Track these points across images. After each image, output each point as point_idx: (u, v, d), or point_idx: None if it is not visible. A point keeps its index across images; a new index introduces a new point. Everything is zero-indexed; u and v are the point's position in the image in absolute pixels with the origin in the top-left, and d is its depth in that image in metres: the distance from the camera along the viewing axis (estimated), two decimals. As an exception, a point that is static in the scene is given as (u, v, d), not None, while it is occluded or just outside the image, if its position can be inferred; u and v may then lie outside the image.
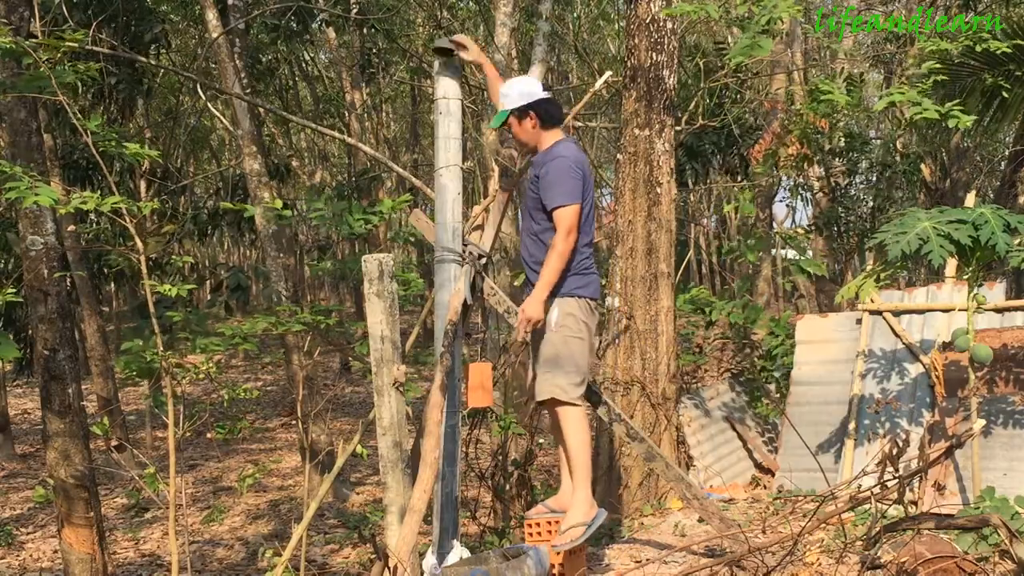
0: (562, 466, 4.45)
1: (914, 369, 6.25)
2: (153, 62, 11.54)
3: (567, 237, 4.09)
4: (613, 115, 14.62)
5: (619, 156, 6.68)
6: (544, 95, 4.30)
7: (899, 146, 12.66)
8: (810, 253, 11.95)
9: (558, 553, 4.28)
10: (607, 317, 6.55)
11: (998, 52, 6.83)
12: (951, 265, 6.27)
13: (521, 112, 4.26)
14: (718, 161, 14.39)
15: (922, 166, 12.29)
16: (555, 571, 4.28)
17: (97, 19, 10.75)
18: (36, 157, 6.07)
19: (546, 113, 4.27)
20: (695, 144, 12.63)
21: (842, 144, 12.17)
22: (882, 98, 6.11)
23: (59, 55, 5.02)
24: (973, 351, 5.13)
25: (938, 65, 6.78)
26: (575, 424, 4.18)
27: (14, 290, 4.48)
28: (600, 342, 6.47)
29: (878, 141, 12.39)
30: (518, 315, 4.15)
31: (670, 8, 6.17)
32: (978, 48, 6.90)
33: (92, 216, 12.04)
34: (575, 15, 15.99)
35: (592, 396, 4.66)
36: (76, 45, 5.02)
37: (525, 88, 4.29)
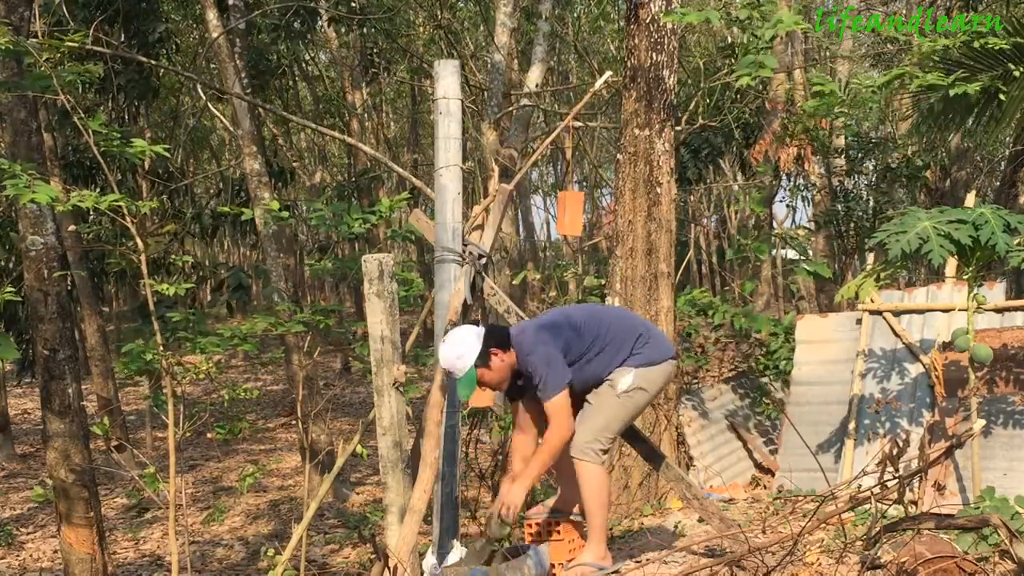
0: (559, 470, 4.45)
1: (914, 369, 6.25)
2: (156, 62, 11.53)
3: (560, 429, 4.00)
4: (613, 115, 14.62)
5: (619, 156, 6.68)
6: (481, 329, 4.06)
7: (908, 151, 12.67)
8: (810, 253, 11.94)
9: (552, 545, 4.29)
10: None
11: (997, 49, 6.81)
12: (951, 265, 6.27)
13: (484, 360, 4.02)
14: (726, 160, 14.40)
15: (926, 173, 12.30)
16: (555, 571, 4.28)
17: (100, 19, 10.77)
18: (36, 157, 6.07)
19: (500, 339, 4.06)
20: (698, 142, 12.63)
21: (843, 143, 12.18)
22: (887, 76, 6.09)
23: (59, 55, 5.02)
24: (973, 351, 5.13)
25: (935, 82, 6.75)
26: (600, 484, 4.12)
27: (13, 289, 4.48)
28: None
29: (876, 141, 12.38)
30: (499, 503, 4.05)
31: (671, 15, 6.17)
32: (976, 44, 6.88)
33: (92, 215, 12.05)
34: (575, 15, 15.99)
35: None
36: (76, 45, 5.02)
37: (465, 341, 4.01)
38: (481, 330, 4.07)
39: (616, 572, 4.23)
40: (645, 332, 4.21)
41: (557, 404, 4.00)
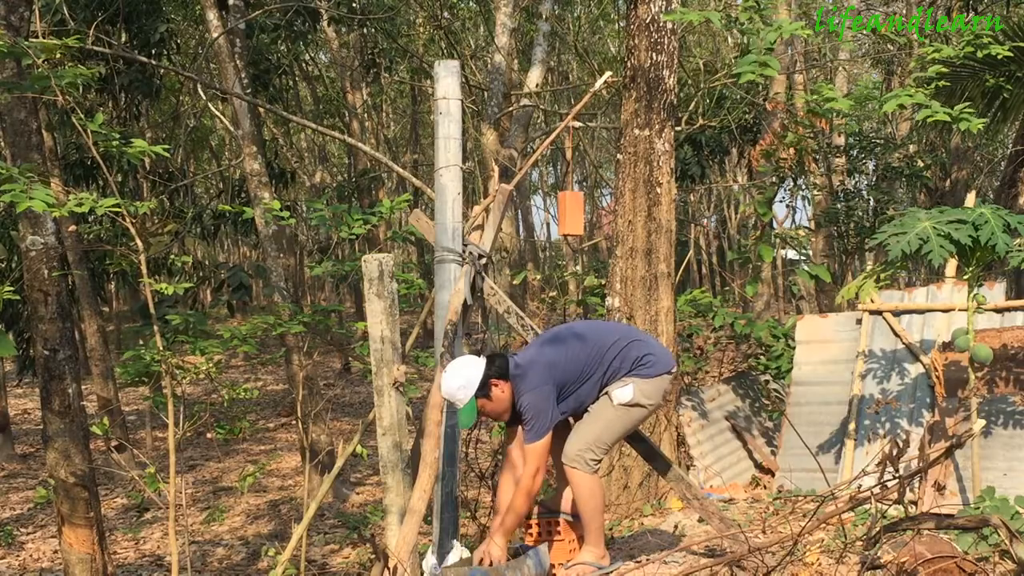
0: (556, 470, 4.45)
1: (914, 369, 6.25)
2: (156, 63, 11.53)
3: (534, 476, 4.02)
4: (613, 115, 14.62)
5: (619, 156, 6.68)
6: (482, 360, 4.07)
7: (910, 150, 12.67)
8: (810, 253, 11.93)
9: (552, 545, 4.29)
10: (607, 317, 6.55)
11: (1000, 56, 6.82)
12: (951, 265, 6.27)
13: (484, 391, 4.03)
14: (728, 158, 14.37)
15: (927, 173, 12.29)
16: (555, 571, 4.28)
17: (101, 19, 10.76)
18: (36, 157, 6.06)
19: (500, 371, 4.06)
20: (702, 138, 12.62)
21: (842, 143, 12.17)
22: (889, 99, 6.12)
23: (59, 55, 5.02)
24: (973, 351, 5.13)
25: (944, 69, 6.77)
26: (591, 491, 4.13)
27: (12, 288, 4.47)
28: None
29: (880, 142, 12.37)
30: (487, 551, 4.04)
31: (672, 14, 6.17)
32: (979, 54, 6.90)
33: (93, 216, 12.05)
34: (575, 15, 15.99)
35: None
36: (76, 45, 5.02)
37: (466, 372, 4.02)
38: (482, 361, 4.06)
39: (615, 572, 4.23)
40: (646, 349, 4.20)
41: (536, 449, 4.01)
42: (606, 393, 4.14)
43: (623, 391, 4.10)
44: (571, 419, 4.31)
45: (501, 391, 4.07)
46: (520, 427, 4.19)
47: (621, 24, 15.54)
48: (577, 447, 4.10)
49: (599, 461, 4.13)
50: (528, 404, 4.03)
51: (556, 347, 4.18)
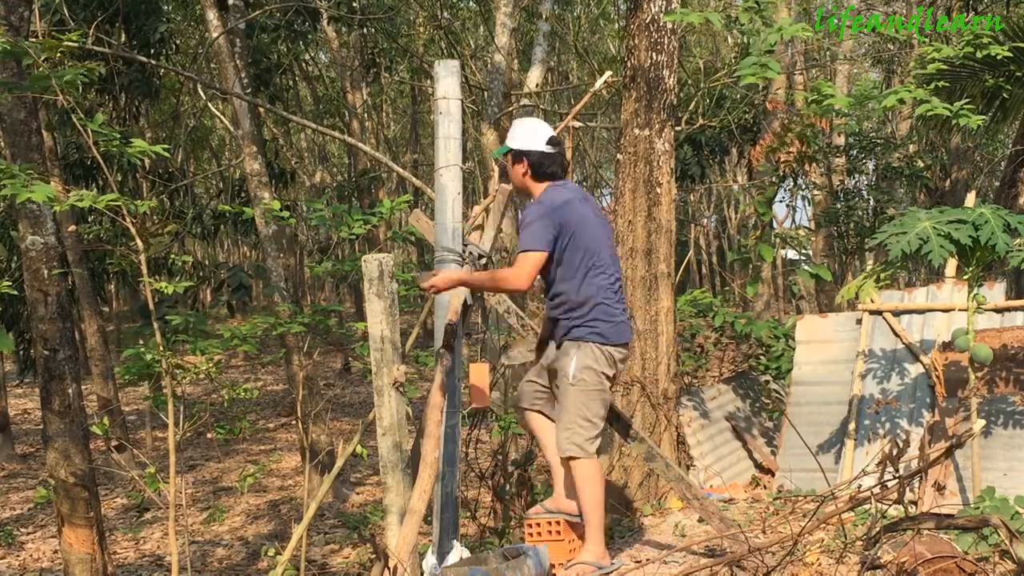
0: (554, 470, 4.45)
1: (914, 369, 6.25)
2: (156, 62, 11.54)
3: (518, 277, 4.05)
4: (613, 115, 14.62)
5: (619, 156, 6.68)
6: (546, 149, 4.21)
7: (910, 150, 12.67)
8: (810, 252, 11.94)
9: (552, 544, 4.29)
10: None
11: (999, 57, 6.82)
12: (951, 265, 6.27)
13: (517, 156, 4.23)
14: (729, 158, 14.35)
15: (927, 173, 12.29)
16: (555, 571, 4.28)
17: (100, 18, 10.76)
18: (36, 157, 6.06)
19: (539, 166, 4.20)
20: (702, 138, 12.62)
21: (842, 142, 12.17)
22: (889, 95, 6.11)
23: (59, 55, 5.02)
24: (973, 351, 5.13)
25: (944, 67, 6.77)
26: (591, 479, 4.14)
27: (10, 283, 4.47)
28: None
29: (880, 142, 12.37)
30: (430, 275, 4.14)
31: (672, 14, 6.17)
32: (979, 55, 6.90)
33: (93, 216, 12.06)
34: (575, 15, 15.99)
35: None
36: (75, 45, 5.02)
37: (532, 135, 4.23)
38: (546, 149, 4.19)
39: (615, 571, 4.23)
40: (608, 310, 4.16)
41: (529, 257, 4.05)
42: (560, 371, 4.15)
43: (568, 364, 4.12)
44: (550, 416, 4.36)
45: (521, 172, 4.23)
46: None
47: (621, 24, 15.53)
48: (562, 435, 4.14)
49: (590, 441, 4.12)
50: (530, 214, 4.15)
51: (584, 217, 4.16)
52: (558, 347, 4.22)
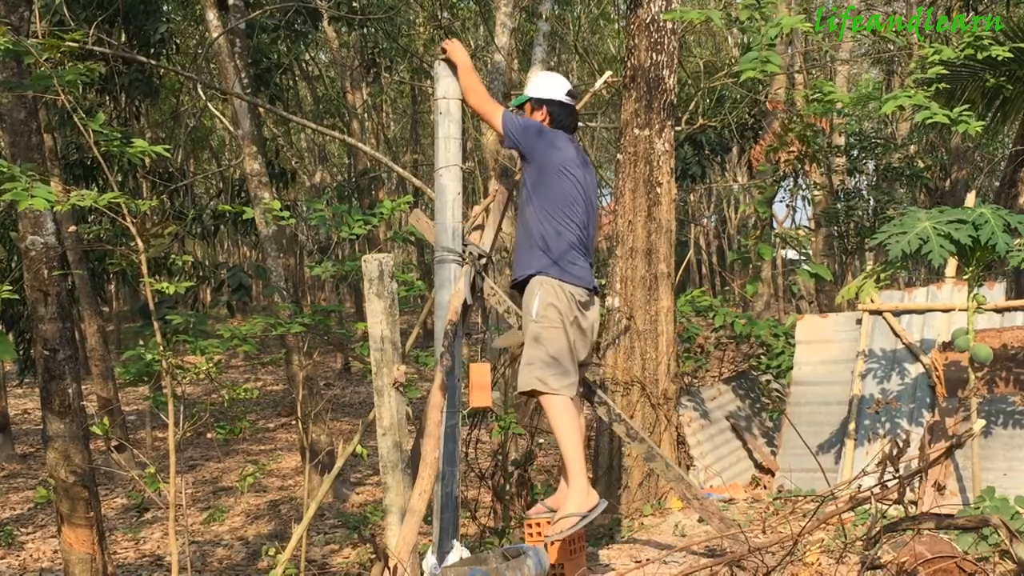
0: (565, 463, 4.45)
1: (914, 369, 6.26)
2: (156, 62, 11.54)
3: (489, 114, 4.37)
4: (613, 115, 14.63)
5: (619, 156, 6.68)
6: (565, 99, 4.46)
7: (910, 150, 12.68)
8: (810, 252, 11.94)
9: (552, 544, 4.27)
10: (607, 318, 6.55)
11: (1000, 58, 6.82)
12: (951, 265, 6.27)
13: (537, 104, 4.46)
14: (729, 157, 14.35)
15: (927, 173, 12.31)
16: (555, 571, 4.28)
17: (100, 18, 10.76)
18: (36, 157, 6.06)
19: (557, 116, 4.44)
20: (702, 138, 12.63)
21: (843, 143, 12.18)
22: (888, 100, 6.12)
23: (60, 55, 5.02)
24: (973, 351, 5.13)
25: (943, 71, 6.77)
26: (559, 413, 4.15)
27: (10, 287, 4.47)
28: (601, 343, 6.47)
29: (881, 142, 12.37)
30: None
31: (672, 13, 6.17)
32: (980, 56, 6.90)
33: (93, 216, 12.06)
34: (575, 15, 15.99)
35: (593, 396, 4.66)
36: (76, 45, 5.02)
37: (553, 85, 4.48)
38: (566, 99, 4.46)
39: (601, 509, 4.19)
40: (572, 258, 4.26)
41: (506, 118, 4.34)
42: (526, 311, 4.24)
43: (532, 302, 4.20)
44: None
45: (539, 117, 4.44)
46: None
47: (621, 24, 15.54)
48: (523, 371, 4.18)
49: (556, 377, 4.14)
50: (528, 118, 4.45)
51: (573, 160, 4.35)
52: (522, 291, 4.33)
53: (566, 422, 4.15)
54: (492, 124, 4.42)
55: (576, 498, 4.16)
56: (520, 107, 4.54)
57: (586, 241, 4.35)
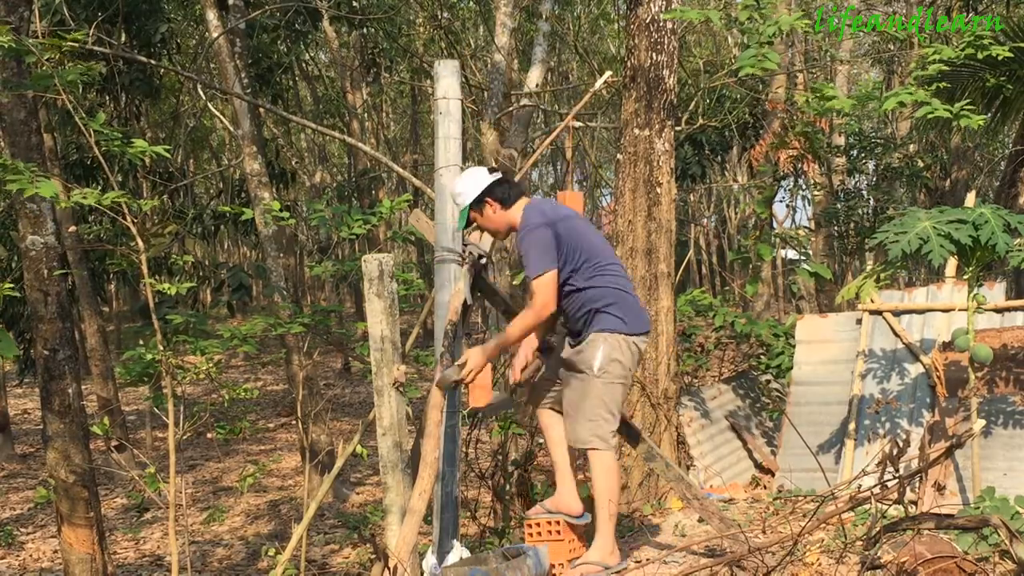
0: (556, 468, 4.45)
1: (914, 369, 6.25)
2: (156, 62, 11.54)
3: (544, 306, 4.03)
4: (613, 115, 14.62)
5: (619, 156, 6.68)
6: (493, 178, 4.20)
7: (910, 150, 12.68)
8: (810, 252, 11.95)
9: (552, 544, 4.28)
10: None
11: (1000, 58, 6.82)
12: (951, 265, 6.27)
13: (479, 203, 4.18)
14: (730, 157, 14.34)
15: (927, 173, 12.31)
16: (555, 571, 4.28)
17: (101, 18, 10.76)
18: (36, 157, 6.06)
19: (503, 195, 4.18)
20: (702, 137, 12.63)
21: (843, 143, 12.18)
22: (889, 98, 6.11)
23: (60, 54, 5.02)
24: (973, 351, 5.13)
25: (944, 68, 6.78)
26: (609, 472, 4.13)
27: (11, 285, 4.47)
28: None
29: (881, 142, 12.37)
30: (462, 359, 4.06)
31: (672, 12, 6.17)
32: (980, 56, 6.90)
33: (93, 216, 12.06)
34: (575, 15, 15.99)
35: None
36: (76, 44, 5.02)
37: (475, 179, 4.19)
38: (491, 178, 4.19)
39: (622, 570, 4.22)
40: (623, 304, 4.15)
41: (542, 280, 4.02)
42: (584, 363, 4.11)
43: (595, 355, 4.09)
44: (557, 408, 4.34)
45: (494, 212, 4.19)
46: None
47: (621, 24, 15.54)
48: (583, 426, 4.11)
49: (612, 433, 4.12)
50: (525, 241, 4.07)
51: (570, 216, 4.21)
52: (579, 343, 4.18)
53: (612, 481, 4.13)
54: (550, 297, 4.03)
55: (603, 549, 4.16)
56: (470, 216, 4.22)
57: (624, 274, 4.26)
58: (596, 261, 4.14)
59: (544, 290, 4.02)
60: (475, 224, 4.29)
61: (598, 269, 4.13)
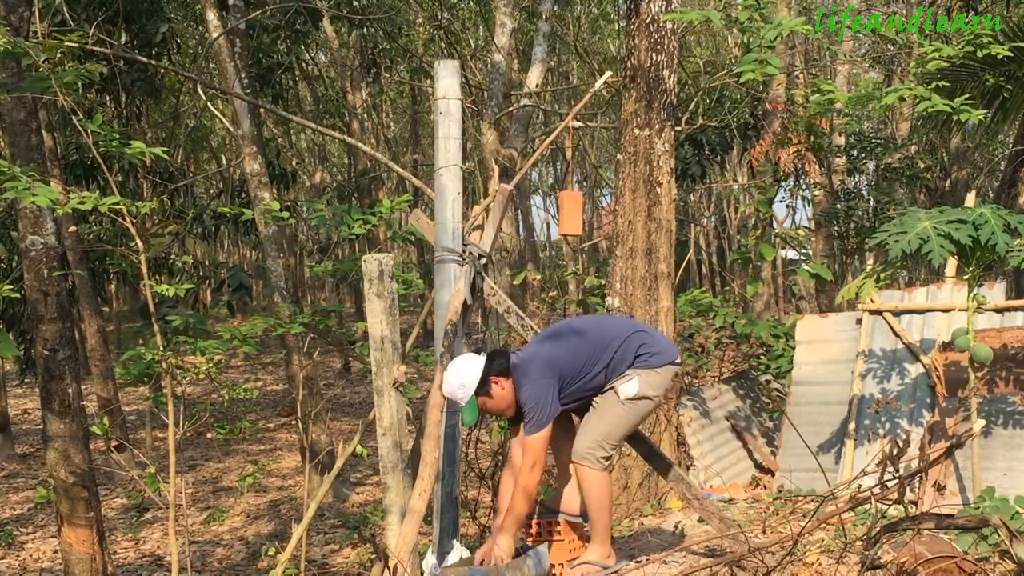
0: (557, 467, 4.45)
1: (914, 369, 6.26)
2: (156, 62, 11.54)
3: (532, 469, 3.99)
4: (613, 115, 14.62)
5: (619, 156, 6.68)
6: (482, 358, 4.08)
7: (911, 150, 12.67)
8: (811, 253, 11.95)
9: (551, 544, 4.29)
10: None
11: (1000, 57, 6.82)
12: (951, 265, 6.27)
13: (483, 388, 4.03)
14: (730, 157, 14.33)
15: (927, 173, 12.30)
16: (555, 571, 4.28)
17: (101, 18, 10.77)
18: (36, 157, 6.06)
19: (500, 368, 4.06)
20: (702, 137, 12.63)
21: (843, 143, 12.18)
22: (889, 93, 6.11)
23: (59, 55, 5.02)
24: (973, 351, 5.13)
25: (944, 65, 6.77)
26: (604, 488, 4.13)
27: (11, 286, 4.48)
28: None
29: (881, 142, 12.37)
30: (490, 552, 4.01)
31: (672, 13, 6.17)
32: (979, 54, 6.90)
33: (93, 216, 12.06)
34: (575, 15, 15.99)
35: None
36: (76, 45, 5.02)
37: (466, 368, 4.04)
38: (482, 359, 4.06)
39: (618, 572, 4.22)
40: (649, 340, 4.18)
41: (534, 442, 3.99)
42: (612, 388, 4.11)
43: (629, 385, 4.08)
44: (574, 416, 4.31)
45: (502, 388, 4.06)
46: (522, 424, 4.19)
47: (621, 24, 15.54)
48: (587, 444, 4.08)
49: (609, 458, 4.11)
50: (528, 397, 4.02)
51: (556, 342, 4.17)
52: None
53: (604, 495, 4.13)
54: (542, 455, 4.03)
55: (599, 549, 4.19)
56: (479, 403, 4.05)
57: (636, 330, 4.26)
58: (603, 351, 4.11)
59: (537, 450, 4.01)
60: (485, 408, 4.12)
61: (605, 352, 4.11)
